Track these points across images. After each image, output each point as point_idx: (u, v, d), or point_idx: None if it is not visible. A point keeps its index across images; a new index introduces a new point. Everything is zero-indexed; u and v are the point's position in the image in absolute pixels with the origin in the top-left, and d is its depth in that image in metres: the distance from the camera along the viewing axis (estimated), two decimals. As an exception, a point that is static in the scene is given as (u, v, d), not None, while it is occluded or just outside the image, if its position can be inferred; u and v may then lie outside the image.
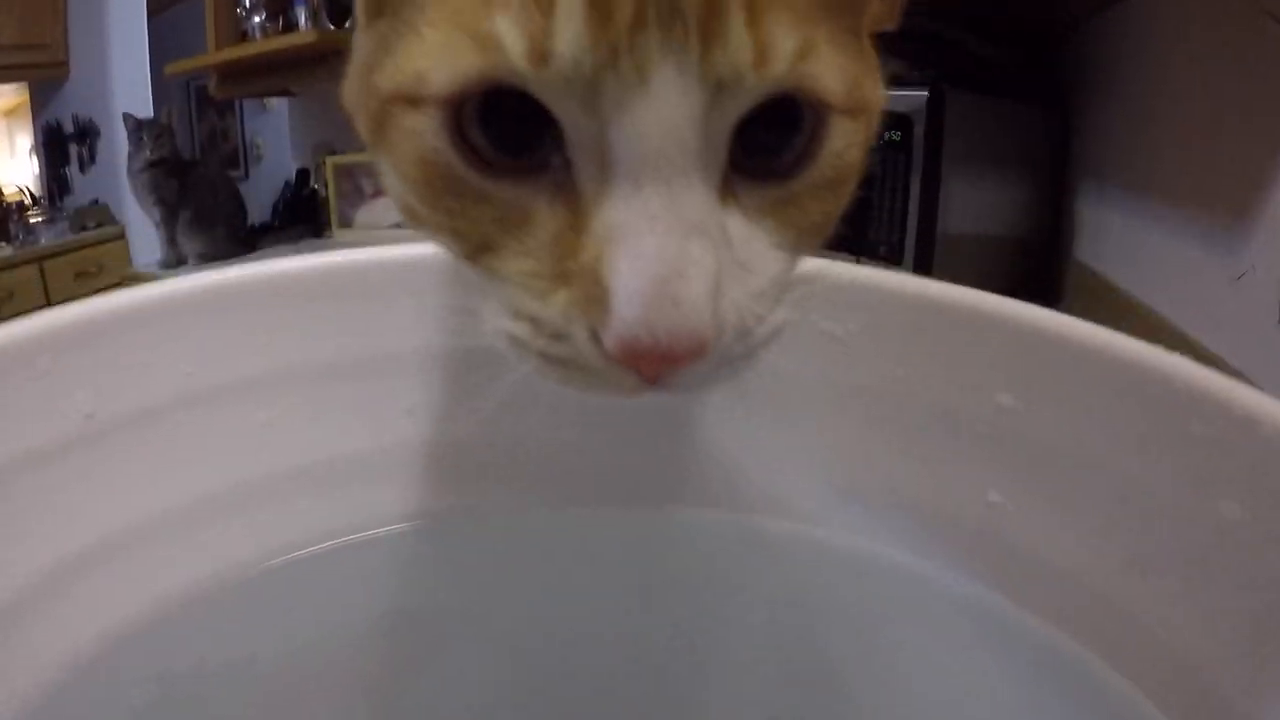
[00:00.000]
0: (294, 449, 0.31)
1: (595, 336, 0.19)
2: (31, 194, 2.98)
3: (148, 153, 1.77)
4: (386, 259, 0.30)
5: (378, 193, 2.11)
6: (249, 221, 2.08)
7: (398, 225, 1.62)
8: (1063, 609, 0.26)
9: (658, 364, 0.19)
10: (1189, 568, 0.22)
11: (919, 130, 1.05)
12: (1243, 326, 0.69)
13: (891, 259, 1.17)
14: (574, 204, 0.20)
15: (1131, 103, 0.93)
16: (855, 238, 1.21)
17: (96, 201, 2.99)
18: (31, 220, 2.84)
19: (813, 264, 0.25)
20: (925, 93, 1.03)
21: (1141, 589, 0.24)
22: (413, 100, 0.21)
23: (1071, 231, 1.12)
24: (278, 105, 2.51)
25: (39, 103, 2.98)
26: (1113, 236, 0.99)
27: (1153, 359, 0.22)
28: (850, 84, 0.21)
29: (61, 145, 2.98)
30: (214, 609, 0.29)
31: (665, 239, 0.18)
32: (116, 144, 2.27)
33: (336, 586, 0.33)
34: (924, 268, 1.15)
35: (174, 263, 1.88)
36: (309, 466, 0.31)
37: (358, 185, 2.13)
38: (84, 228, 2.87)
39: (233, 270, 0.27)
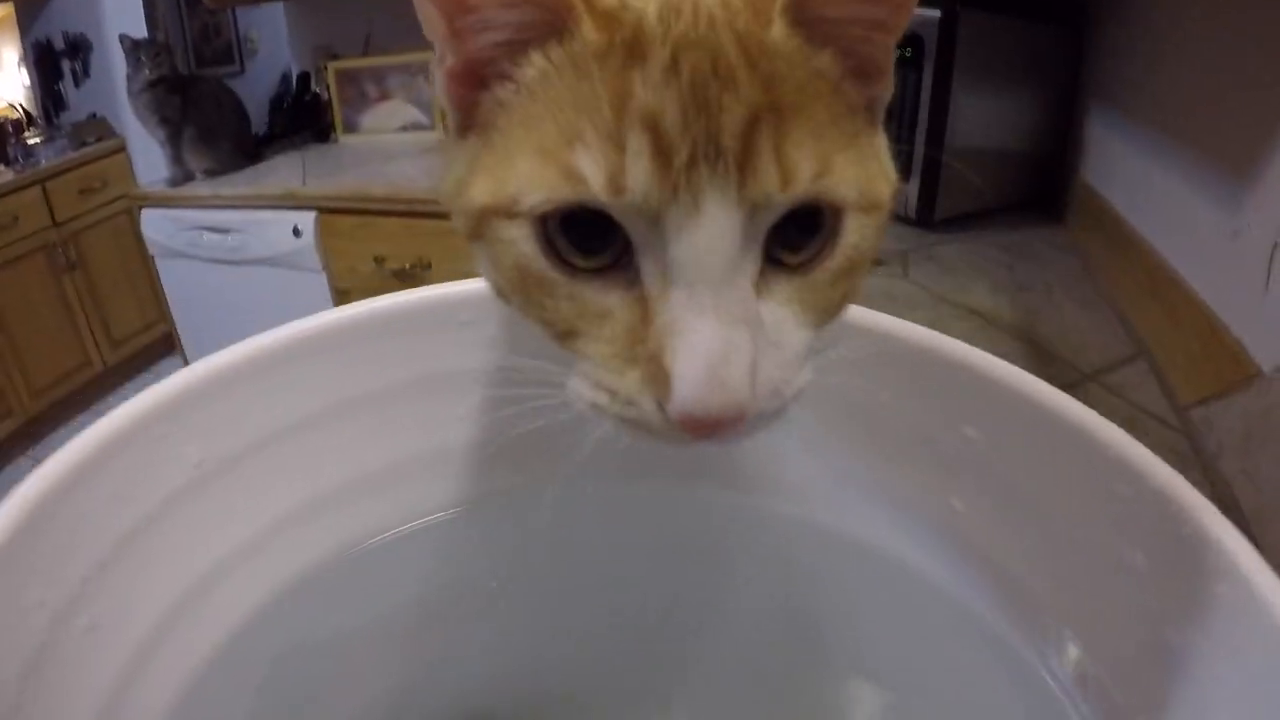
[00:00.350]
0: (365, 458, 0.36)
1: (660, 407, 0.24)
2: (26, 112, 2.93)
3: (147, 72, 1.74)
4: (440, 296, 0.34)
5: (382, 96, 2.08)
6: (252, 129, 2.07)
7: (404, 129, 1.62)
8: (995, 593, 0.32)
9: (710, 430, 0.24)
10: (1094, 589, 0.28)
11: (930, 47, 1.04)
12: (1234, 284, 0.70)
13: (899, 176, 1.19)
14: (642, 301, 0.25)
15: (1149, 33, 0.92)
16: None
17: (94, 115, 2.93)
18: (29, 142, 2.79)
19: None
20: (938, 11, 1.02)
21: (1053, 589, 0.30)
22: (509, 214, 0.25)
23: (1079, 152, 1.13)
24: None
25: (26, 20, 2.90)
26: (1118, 165, 1.00)
27: (1092, 423, 0.26)
28: (863, 187, 0.26)
29: (54, 61, 2.89)
30: (309, 596, 0.35)
31: (714, 332, 0.23)
32: (109, 56, 2.23)
33: (402, 567, 0.39)
34: (931, 184, 1.17)
35: (181, 179, 1.88)
36: (377, 471, 0.36)
37: (361, 90, 2.09)
38: (84, 143, 2.81)
39: (308, 321, 0.31)
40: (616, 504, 0.43)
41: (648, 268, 0.24)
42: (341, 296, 1.84)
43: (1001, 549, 0.32)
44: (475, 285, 0.33)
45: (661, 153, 0.23)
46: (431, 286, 0.33)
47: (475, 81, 0.27)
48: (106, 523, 0.26)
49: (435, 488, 0.38)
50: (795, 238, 0.25)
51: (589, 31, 0.23)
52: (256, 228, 1.84)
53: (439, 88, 0.29)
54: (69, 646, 0.24)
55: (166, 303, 2.14)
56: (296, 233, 1.79)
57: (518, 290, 0.27)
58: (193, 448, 0.29)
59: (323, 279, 1.84)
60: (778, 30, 0.23)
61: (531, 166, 0.24)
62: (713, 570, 0.44)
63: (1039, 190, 1.23)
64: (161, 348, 3.26)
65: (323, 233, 1.78)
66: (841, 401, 0.34)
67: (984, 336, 0.90)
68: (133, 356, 3.17)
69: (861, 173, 0.26)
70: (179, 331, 2.18)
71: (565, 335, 0.26)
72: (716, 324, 0.23)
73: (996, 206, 1.22)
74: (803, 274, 0.26)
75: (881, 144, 0.29)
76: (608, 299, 0.25)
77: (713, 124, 0.23)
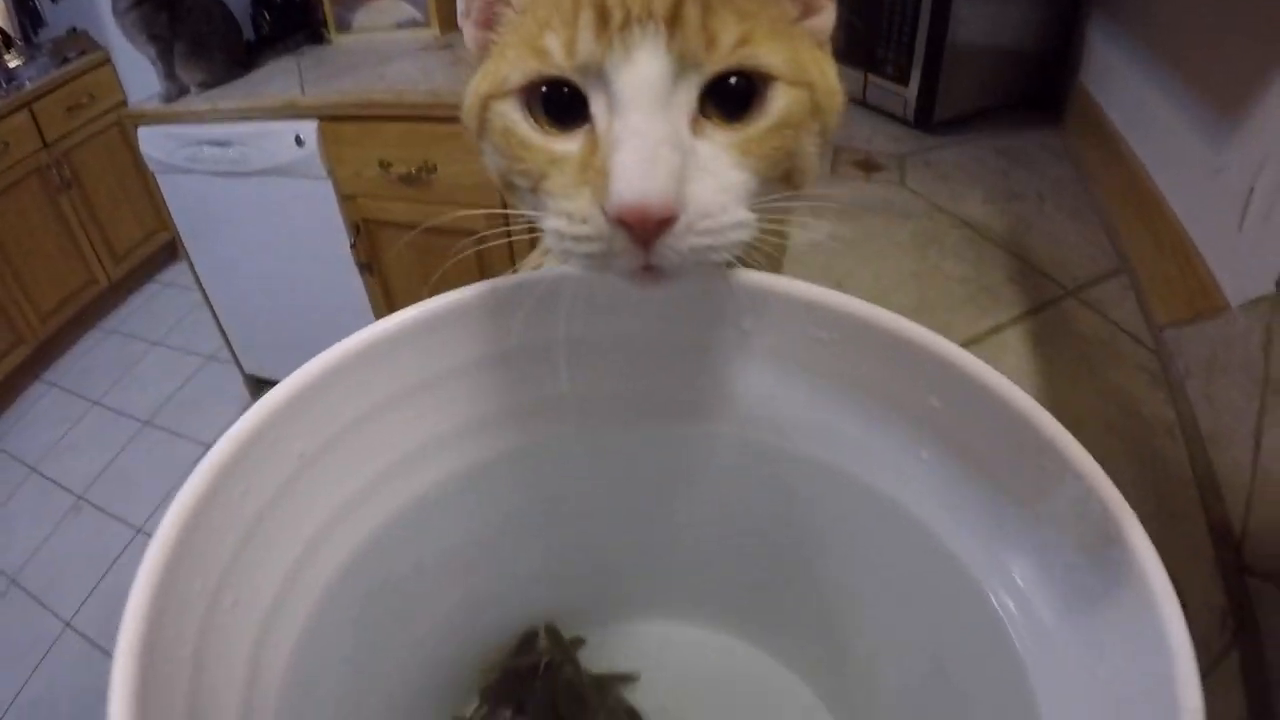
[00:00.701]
0: (430, 427, 0.43)
1: (604, 215, 0.31)
2: (4, 33, 2.85)
3: (131, -10, 1.71)
4: (490, 289, 0.41)
5: (375, -8, 2.05)
6: (244, 37, 2.04)
7: (399, 26, 1.62)
8: (953, 524, 0.40)
9: (641, 222, 0.30)
10: (1025, 529, 0.35)
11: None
12: (1212, 218, 0.72)
13: (899, 78, 1.20)
14: (593, 141, 0.32)
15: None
16: (864, 56, 1.24)
17: (74, 30, 2.86)
18: (11, 65, 2.72)
19: (816, 291, 0.38)
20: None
21: (997, 526, 0.37)
22: (500, 94, 0.34)
23: (1080, 55, 1.14)
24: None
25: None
26: (1116, 78, 1.01)
27: (1030, 411, 0.32)
28: (793, 64, 0.33)
29: (27, -24, 2.82)
30: (390, 542, 0.43)
31: (643, 142, 0.30)
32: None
33: (461, 510, 0.47)
34: (930, 85, 1.19)
35: (175, 95, 1.87)
36: (440, 435, 0.44)
37: (352, -14, 2.06)
38: (66, 59, 2.75)
39: (382, 323, 0.38)
40: (634, 445, 0.50)
41: (598, 111, 0.32)
42: (348, 202, 1.87)
43: (958, 493, 0.39)
44: (521, 279, 0.40)
45: (603, 20, 0.30)
46: (479, 284, 0.39)
47: (488, 22, 0.36)
48: (240, 513, 0.33)
49: (485, 444, 0.45)
50: (735, 110, 0.33)
51: None
52: (257, 139, 1.85)
53: (466, 38, 0.38)
54: (220, 620, 0.32)
55: (170, 216, 2.16)
56: (299, 142, 1.80)
57: (505, 154, 0.35)
58: (297, 443, 0.36)
59: (328, 186, 1.86)
60: None
61: (516, 54, 0.33)
62: (715, 495, 0.52)
63: (1039, 89, 1.24)
64: (164, 256, 3.30)
65: (325, 140, 1.79)
66: (831, 370, 0.41)
67: (974, 249, 0.95)
68: (137, 268, 3.21)
69: (791, 54, 0.33)
70: (185, 243, 2.21)
71: (538, 181, 0.34)
72: (648, 138, 0.30)
73: (996, 105, 1.23)
74: (739, 128, 0.33)
75: (825, 59, 0.37)
76: (568, 145, 0.33)
77: None
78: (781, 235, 0.36)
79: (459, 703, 0.55)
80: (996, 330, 0.82)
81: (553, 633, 0.58)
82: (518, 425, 0.46)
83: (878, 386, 0.40)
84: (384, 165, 1.76)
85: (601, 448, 0.49)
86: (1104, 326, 0.80)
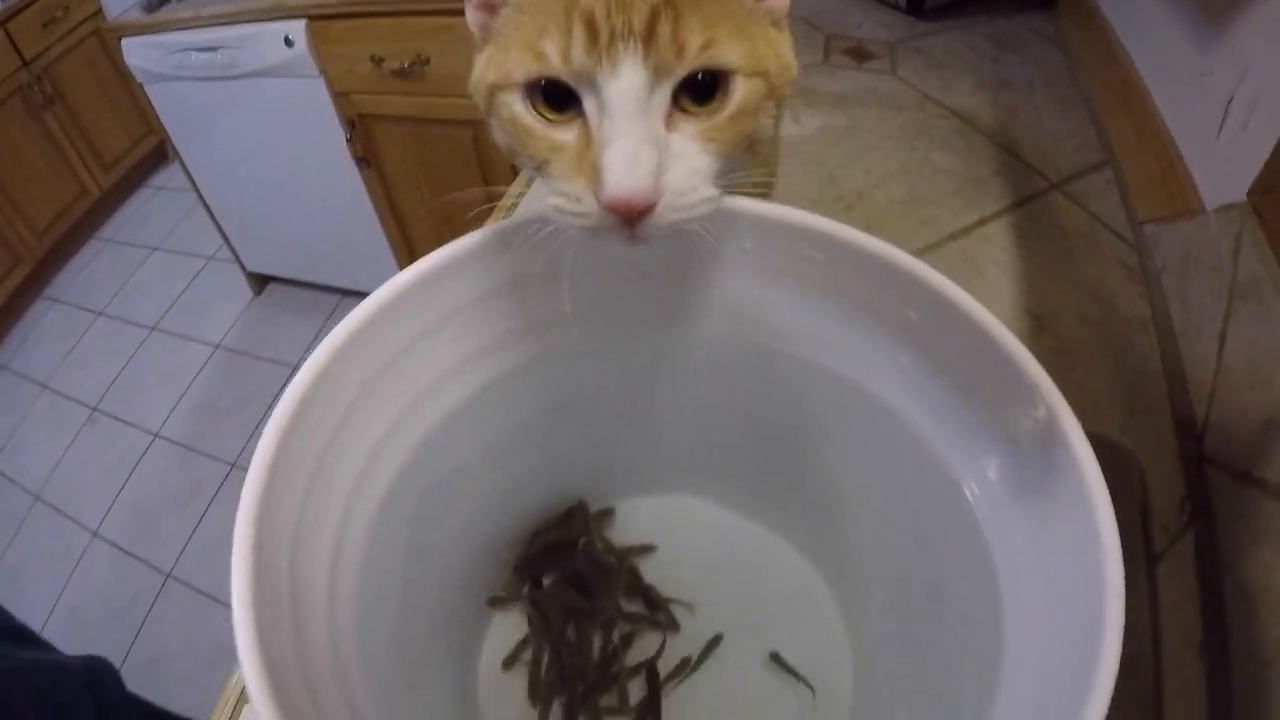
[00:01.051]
0: (467, 346, 0.49)
1: (596, 199, 0.37)
2: None
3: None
4: (506, 227, 0.45)
5: None
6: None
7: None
8: (932, 423, 0.45)
9: (627, 210, 0.37)
10: (996, 427, 0.40)
11: None
12: (1194, 121, 0.74)
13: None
14: (586, 135, 0.38)
15: None
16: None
17: (39, -65, 2.75)
18: None
19: (809, 218, 0.44)
20: None
21: (970, 426, 0.42)
22: (506, 87, 0.39)
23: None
24: None
25: None
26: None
27: (993, 329, 0.37)
28: (751, 58, 0.38)
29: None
30: (437, 446, 0.49)
31: (629, 143, 0.36)
32: None
33: (497, 409, 0.53)
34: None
35: (157, 3, 1.84)
36: (478, 348, 0.49)
37: None
38: None
39: (417, 266, 0.43)
40: (639, 349, 0.56)
41: (590, 111, 0.37)
42: (341, 99, 1.86)
43: (934, 396, 0.44)
44: (529, 218, 0.44)
45: (593, 36, 0.35)
46: (492, 226, 0.44)
47: (488, 9, 0.41)
48: (315, 439, 0.39)
49: (507, 357, 0.51)
50: (702, 97, 0.38)
51: None
52: (246, 42, 1.82)
53: (469, 19, 0.42)
54: (305, 532, 0.38)
55: (161, 123, 2.14)
56: (288, 42, 1.78)
57: (513, 137, 0.40)
58: (356, 373, 0.41)
59: (321, 84, 1.85)
60: None
61: (518, 54, 0.38)
62: (716, 390, 0.58)
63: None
64: (154, 160, 3.27)
65: (315, 39, 1.77)
66: (822, 284, 0.46)
67: (963, 140, 0.98)
68: (127, 175, 3.18)
69: (749, 48, 0.38)
70: (178, 148, 2.21)
71: (541, 164, 0.39)
72: (632, 140, 0.36)
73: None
74: (705, 119, 0.38)
75: (784, 40, 0.42)
76: (566, 135, 0.38)
77: (627, 16, 0.35)
78: (759, 187, 0.43)
79: (495, 580, 0.63)
80: (982, 223, 0.85)
81: (581, 507, 0.66)
82: (535, 339, 0.51)
83: (863, 300, 0.45)
84: (376, 61, 1.74)
85: (611, 353, 0.55)
86: (1086, 220, 0.84)
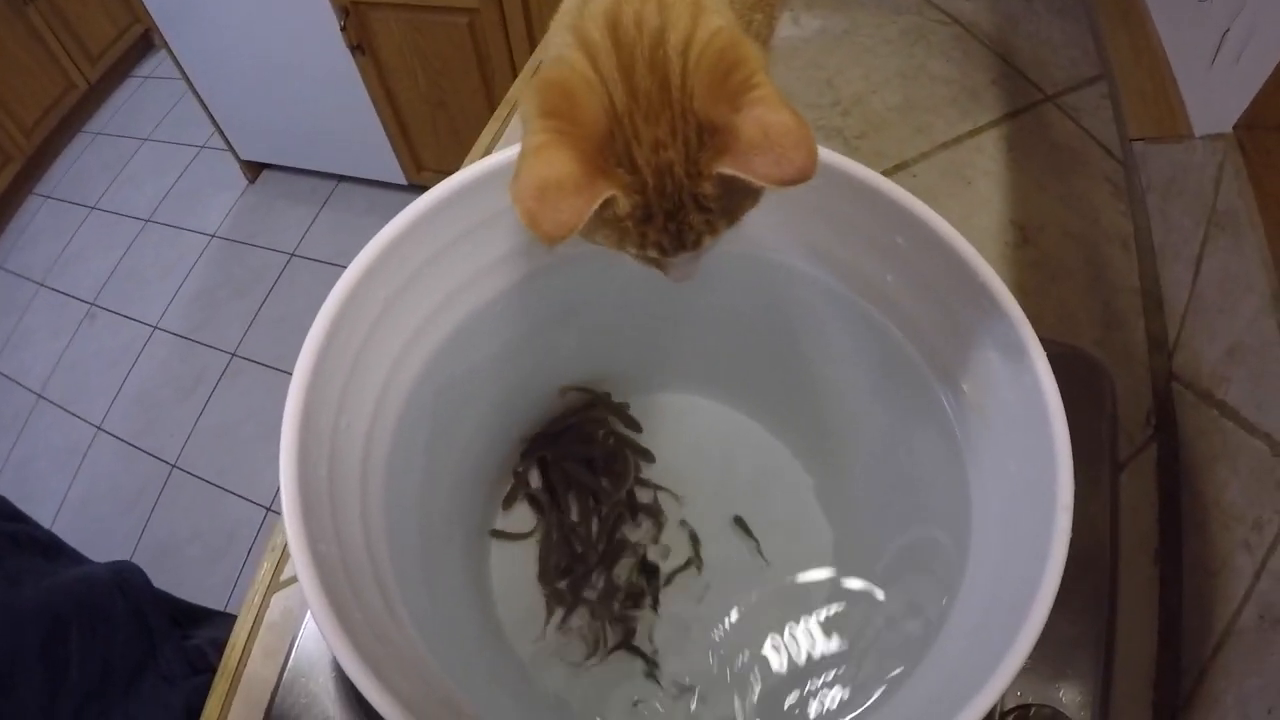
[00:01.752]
0: (480, 261, 0.51)
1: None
2: None
3: None
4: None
5: None
6: None
7: None
8: (911, 336, 0.49)
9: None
10: (968, 342, 0.44)
11: None
12: (1190, 46, 0.73)
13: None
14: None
15: None
16: None
17: None
18: None
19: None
20: None
21: (945, 342, 0.46)
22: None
23: None
24: None
25: None
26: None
27: (971, 259, 0.40)
28: None
29: None
30: (453, 349, 0.53)
31: (684, 268, 0.40)
32: None
33: (507, 316, 0.56)
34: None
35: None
36: (487, 265, 0.52)
37: None
38: None
39: (433, 191, 0.45)
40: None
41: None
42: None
43: (917, 311, 0.48)
44: None
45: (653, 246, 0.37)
46: (503, 152, 0.46)
47: None
48: (346, 352, 0.43)
49: (516, 269, 0.54)
50: None
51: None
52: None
53: None
54: (340, 440, 0.42)
55: (147, 11, 2.08)
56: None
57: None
58: (381, 290, 0.44)
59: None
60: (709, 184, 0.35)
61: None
62: (716, 296, 0.61)
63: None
64: (141, 49, 3.18)
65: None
66: (817, 207, 0.49)
67: (960, 48, 0.98)
68: (115, 65, 3.10)
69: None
70: (165, 34, 2.15)
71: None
72: (687, 265, 0.39)
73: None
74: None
75: None
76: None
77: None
78: None
79: (508, 468, 0.68)
80: (974, 133, 0.87)
81: (604, 398, 0.70)
82: (544, 251, 0.54)
83: (854, 222, 0.48)
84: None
85: (612, 261, 0.58)
86: (1077, 134, 0.85)
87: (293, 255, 2.47)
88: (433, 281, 0.48)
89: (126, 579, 0.77)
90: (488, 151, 0.88)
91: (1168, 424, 0.63)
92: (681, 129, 0.34)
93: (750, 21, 0.46)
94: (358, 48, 1.92)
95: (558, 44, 0.36)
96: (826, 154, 0.45)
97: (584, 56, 0.34)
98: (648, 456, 0.69)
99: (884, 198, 0.43)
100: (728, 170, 0.33)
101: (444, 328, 0.51)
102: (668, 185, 0.35)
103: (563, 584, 0.63)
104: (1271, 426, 0.51)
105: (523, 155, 0.34)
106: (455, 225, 0.48)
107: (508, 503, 0.67)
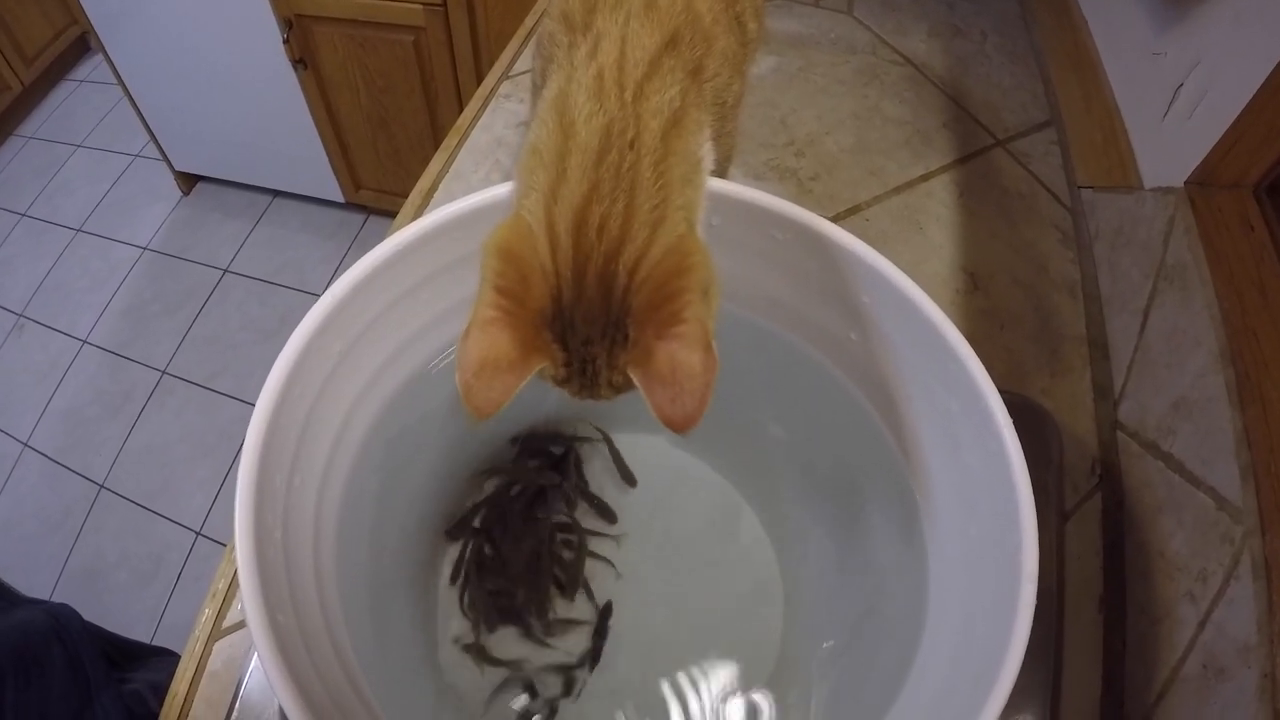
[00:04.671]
0: (434, 310, 0.50)
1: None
2: None
3: None
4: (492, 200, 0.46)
5: None
6: None
7: None
8: (865, 387, 0.50)
9: None
10: (923, 401, 0.44)
11: None
12: (1142, 99, 0.75)
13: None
14: None
15: None
16: None
17: None
18: None
19: (777, 201, 0.45)
20: None
21: (901, 395, 0.46)
22: None
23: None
24: None
25: None
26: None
27: (941, 324, 0.41)
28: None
29: None
30: (404, 401, 0.52)
31: None
32: None
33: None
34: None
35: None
36: (440, 314, 0.51)
37: None
38: None
39: (385, 245, 0.45)
40: None
41: None
42: (278, -2, 1.77)
43: (878, 370, 0.48)
44: (494, 200, 0.45)
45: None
46: (477, 194, 0.45)
47: None
48: (298, 411, 0.41)
49: None
50: None
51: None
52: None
53: None
54: (294, 499, 0.40)
55: (85, 13, 2.02)
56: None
57: None
58: (334, 344, 0.43)
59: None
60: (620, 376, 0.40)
61: None
62: None
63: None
64: (77, 51, 3.08)
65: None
66: (784, 262, 0.48)
67: (913, 89, 0.99)
68: (50, 68, 2.99)
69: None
70: (101, 38, 2.09)
71: None
72: None
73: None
74: None
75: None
76: None
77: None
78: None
79: (454, 511, 0.66)
80: (926, 177, 0.88)
81: (573, 453, 0.69)
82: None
83: (820, 279, 0.48)
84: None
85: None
86: (1026, 180, 0.87)
87: (226, 271, 2.40)
88: (388, 330, 0.47)
89: (64, 625, 0.74)
90: (434, 184, 0.86)
91: (1113, 473, 0.64)
92: (610, 333, 0.38)
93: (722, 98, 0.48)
94: (300, 62, 1.88)
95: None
96: (799, 211, 0.45)
97: (547, 245, 0.38)
98: (608, 516, 0.68)
99: (852, 255, 0.44)
100: (634, 379, 0.38)
101: (399, 375, 0.50)
102: (588, 369, 0.40)
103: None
104: (1216, 481, 0.52)
105: (473, 322, 0.38)
106: (414, 273, 0.47)
107: (452, 535, 0.65)
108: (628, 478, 0.68)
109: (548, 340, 0.39)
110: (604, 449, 0.69)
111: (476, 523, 0.65)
